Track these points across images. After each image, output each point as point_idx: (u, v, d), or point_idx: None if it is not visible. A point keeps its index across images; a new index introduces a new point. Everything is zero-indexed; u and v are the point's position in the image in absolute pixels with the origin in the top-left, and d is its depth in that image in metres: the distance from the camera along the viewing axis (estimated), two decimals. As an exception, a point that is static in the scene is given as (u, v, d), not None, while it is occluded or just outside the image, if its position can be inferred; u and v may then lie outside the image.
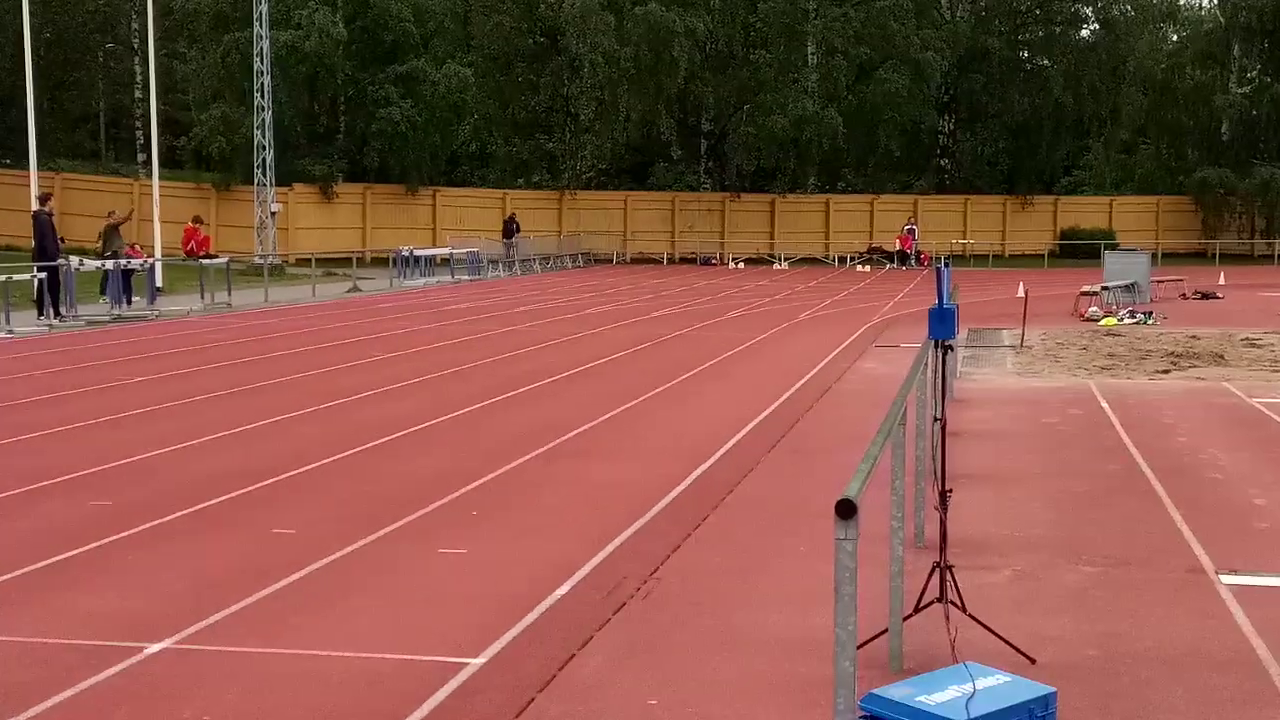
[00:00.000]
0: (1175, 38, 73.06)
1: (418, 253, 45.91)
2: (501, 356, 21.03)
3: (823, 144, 61.60)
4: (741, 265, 57.90)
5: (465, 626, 7.26)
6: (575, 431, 13.74)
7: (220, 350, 22.14)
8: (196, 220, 39.83)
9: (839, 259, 59.73)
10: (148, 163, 46.52)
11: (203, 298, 32.32)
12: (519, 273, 51.21)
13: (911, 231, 58.70)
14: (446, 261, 47.44)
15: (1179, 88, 66.41)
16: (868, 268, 55.82)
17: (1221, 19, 67.33)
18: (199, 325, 27.34)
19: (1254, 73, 66.93)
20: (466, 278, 45.87)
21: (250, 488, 10.84)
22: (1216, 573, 8.42)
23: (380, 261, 48.39)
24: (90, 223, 49.76)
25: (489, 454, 12.37)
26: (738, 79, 63.18)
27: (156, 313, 29.80)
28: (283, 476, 11.32)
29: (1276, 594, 8.00)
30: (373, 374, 18.63)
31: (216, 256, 36.76)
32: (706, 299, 35.91)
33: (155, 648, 6.91)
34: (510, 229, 54.81)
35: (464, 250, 48.80)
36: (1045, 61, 68.32)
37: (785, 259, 59.12)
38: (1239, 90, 66.48)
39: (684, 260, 60.78)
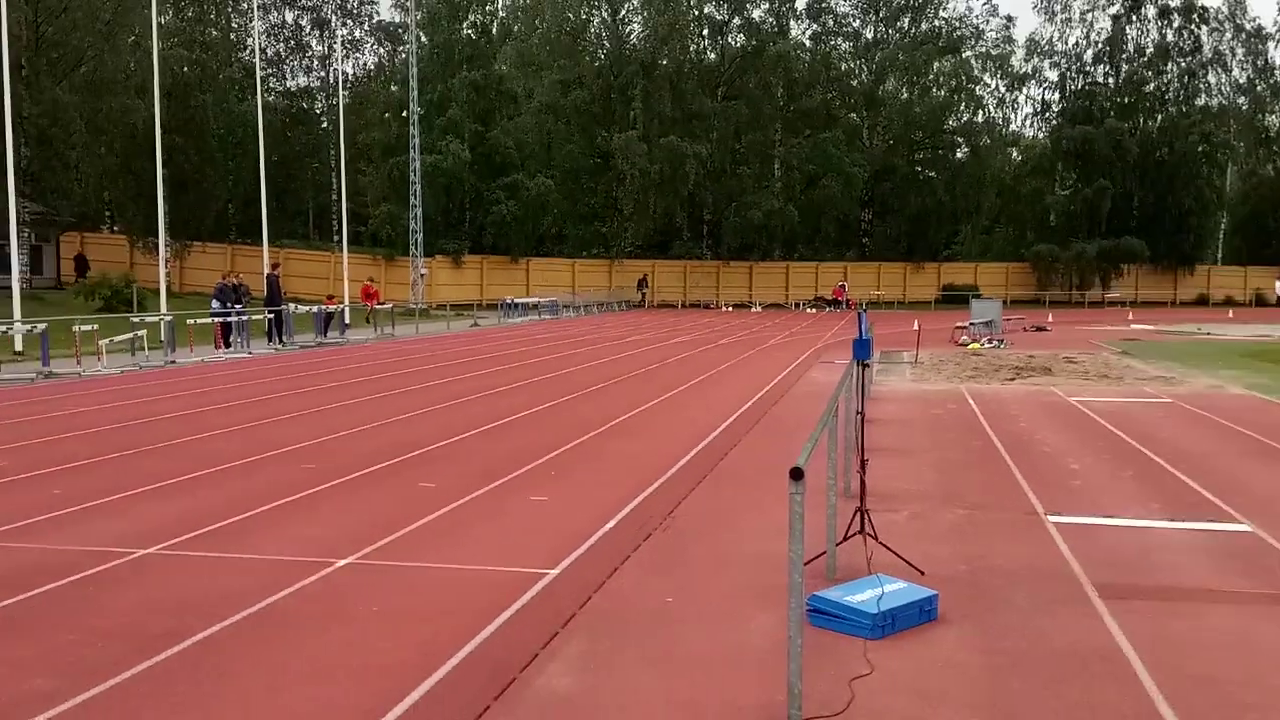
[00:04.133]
0: (1019, 157, 72.54)
1: (516, 300, 45.99)
2: (569, 370, 21.01)
3: (784, 229, 61.73)
4: (730, 309, 57.67)
5: (546, 549, 7.25)
6: (618, 420, 13.72)
7: (385, 365, 22.22)
8: (370, 280, 40.12)
9: (795, 304, 59.51)
10: (340, 242, 46.70)
11: (375, 331, 32.46)
12: (631, 308, 54.89)
13: (843, 286, 58.74)
14: (536, 306, 47.53)
15: (1021, 191, 66.31)
16: (814, 310, 55.60)
17: (1049, 146, 67.05)
18: (373, 349, 27.43)
19: (1071, 181, 66.53)
20: (548, 317, 45.87)
21: (404, 456, 10.87)
22: (1045, 514, 8.35)
23: (491, 306, 48.49)
24: (302, 282, 50.24)
25: (562, 434, 12.36)
26: (728, 186, 63.12)
27: (345, 340, 29.93)
28: (426, 449, 11.34)
29: (1086, 529, 7.90)
30: (485, 380, 18.65)
31: (384, 304, 36.92)
32: (705, 331, 35.78)
33: (340, 563, 6.93)
34: (642, 284, 58.46)
35: (547, 300, 48.87)
36: (933, 173, 68.09)
37: (759, 304, 58.88)
38: (1061, 192, 66.22)
39: (693, 305, 60.57)
